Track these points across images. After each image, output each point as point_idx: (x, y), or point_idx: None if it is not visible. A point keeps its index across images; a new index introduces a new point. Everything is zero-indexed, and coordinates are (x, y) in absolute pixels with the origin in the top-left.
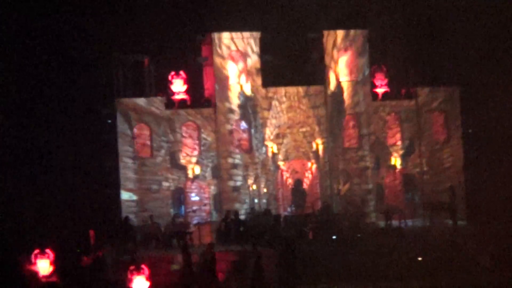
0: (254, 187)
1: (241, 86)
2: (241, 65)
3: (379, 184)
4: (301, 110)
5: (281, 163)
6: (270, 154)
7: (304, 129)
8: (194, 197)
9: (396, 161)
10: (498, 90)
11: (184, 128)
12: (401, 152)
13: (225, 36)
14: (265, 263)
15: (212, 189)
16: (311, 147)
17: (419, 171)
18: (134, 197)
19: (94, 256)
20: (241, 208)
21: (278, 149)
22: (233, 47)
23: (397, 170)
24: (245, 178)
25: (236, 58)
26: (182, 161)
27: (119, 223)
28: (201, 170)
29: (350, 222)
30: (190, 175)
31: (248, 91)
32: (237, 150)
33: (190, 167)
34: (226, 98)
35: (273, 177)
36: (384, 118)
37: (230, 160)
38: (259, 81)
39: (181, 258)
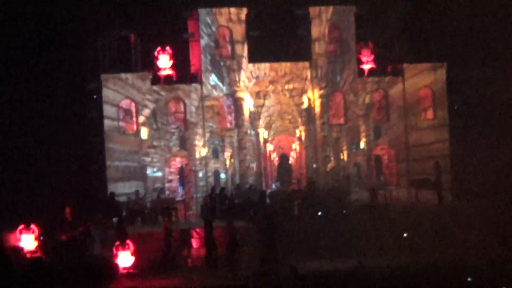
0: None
1: (227, 62)
2: (227, 41)
3: (367, 161)
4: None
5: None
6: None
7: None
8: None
9: (380, 138)
10: (484, 66)
11: (170, 103)
12: (387, 128)
13: (212, 12)
14: (247, 239)
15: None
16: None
17: (405, 147)
18: None
19: (73, 232)
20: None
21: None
22: (219, 23)
23: (383, 146)
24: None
25: (222, 34)
26: None
27: (104, 199)
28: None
29: (335, 199)
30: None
31: (234, 67)
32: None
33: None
34: (212, 74)
35: (254, 148)
36: (370, 94)
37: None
38: (245, 57)
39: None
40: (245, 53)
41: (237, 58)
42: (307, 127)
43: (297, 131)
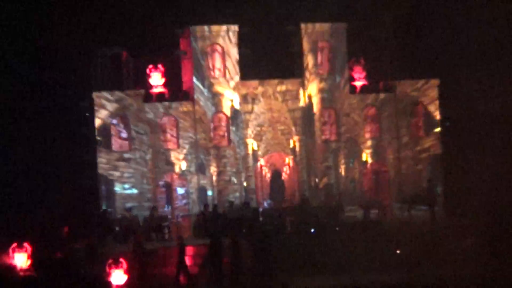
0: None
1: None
2: (219, 58)
3: (358, 177)
4: None
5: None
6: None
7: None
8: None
9: (374, 154)
10: (477, 82)
11: (161, 121)
12: (380, 144)
13: (203, 29)
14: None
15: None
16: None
17: (397, 163)
18: None
19: (67, 249)
20: None
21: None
22: (211, 41)
23: (375, 163)
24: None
25: (214, 51)
26: None
27: (97, 217)
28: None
29: (328, 215)
30: None
31: (225, 84)
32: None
33: None
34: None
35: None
36: (362, 111)
37: None
38: (237, 74)
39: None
40: (238, 70)
41: (229, 76)
42: (301, 137)
43: (291, 141)
